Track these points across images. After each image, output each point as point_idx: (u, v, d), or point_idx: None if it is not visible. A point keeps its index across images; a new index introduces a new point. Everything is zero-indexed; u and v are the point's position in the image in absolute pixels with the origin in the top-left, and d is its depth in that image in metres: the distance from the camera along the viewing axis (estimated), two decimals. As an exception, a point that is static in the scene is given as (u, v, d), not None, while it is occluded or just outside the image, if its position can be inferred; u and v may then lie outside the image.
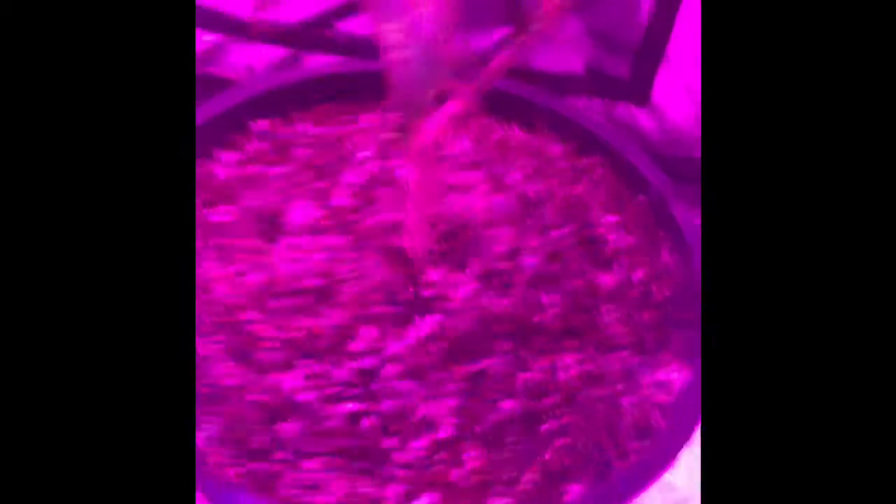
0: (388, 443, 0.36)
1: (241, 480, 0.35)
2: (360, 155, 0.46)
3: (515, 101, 0.47)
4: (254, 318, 0.39)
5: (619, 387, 0.39)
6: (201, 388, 0.37)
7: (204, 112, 0.45)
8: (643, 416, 0.38)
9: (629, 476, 0.36)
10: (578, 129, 0.47)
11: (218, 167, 0.45)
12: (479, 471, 0.36)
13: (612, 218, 0.44)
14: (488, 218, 0.43)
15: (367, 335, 0.39)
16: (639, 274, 0.43)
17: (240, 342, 0.38)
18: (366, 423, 0.36)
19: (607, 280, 0.42)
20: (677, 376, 0.40)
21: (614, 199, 0.45)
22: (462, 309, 0.40)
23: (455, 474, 0.36)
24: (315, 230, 0.42)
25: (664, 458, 0.37)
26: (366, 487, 0.35)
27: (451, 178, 0.44)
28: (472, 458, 0.36)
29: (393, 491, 0.35)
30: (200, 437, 0.36)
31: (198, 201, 0.43)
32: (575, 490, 0.36)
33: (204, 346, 0.38)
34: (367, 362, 0.38)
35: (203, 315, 0.39)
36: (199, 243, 0.42)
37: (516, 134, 0.47)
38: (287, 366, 0.38)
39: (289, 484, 0.35)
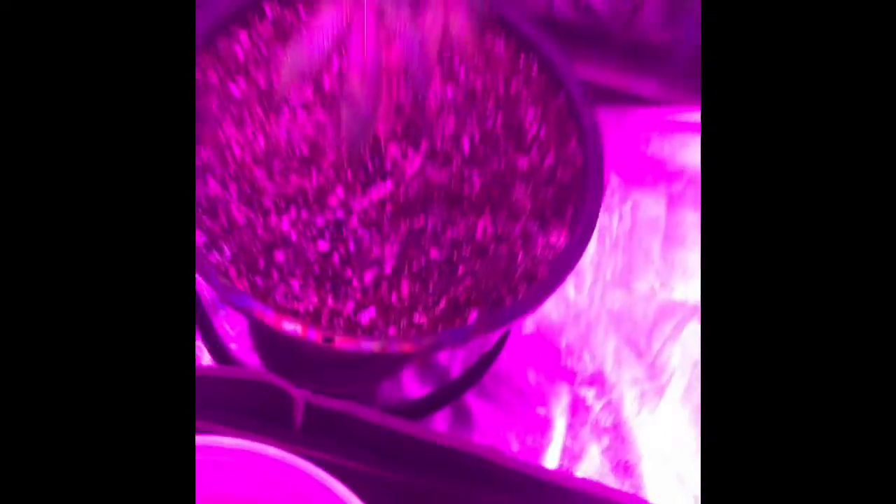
0: (349, 273, 0.52)
1: (247, 289, 0.51)
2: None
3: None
4: (259, 174, 0.54)
5: (518, 245, 0.54)
6: (222, 222, 0.52)
7: None
8: (533, 268, 0.54)
9: (515, 307, 0.53)
10: (520, 34, 0.60)
11: (237, 45, 0.58)
12: (409, 296, 0.52)
13: (534, 111, 0.58)
14: (439, 107, 0.57)
15: (339, 193, 0.53)
16: (549, 159, 0.57)
17: (249, 191, 0.53)
18: (335, 257, 0.52)
19: (523, 162, 0.57)
20: (563, 240, 0.55)
21: (539, 96, 0.59)
22: (411, 178, 0.54)
23: (392, 297, 0.52)
24: (307, 107, 0.56)
25: (542, 298, 0.53)
26: (330, 302, 0.51)
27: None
28: (405, 287, 0.52)
29: (349, 306, 0.51)
30: (222, 257, 0.51)
31: (221, 72, 0.57)
32: (474, 315, 0.52)
33: (223, 191, 0.53)
34: (339, 214, 0.53)
35: (224, 167, 0.54)
36: (220, 110, 0.55)
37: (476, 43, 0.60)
38: (281, 211, 0.53)
39: (279, 294, 0.51)
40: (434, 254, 0.53)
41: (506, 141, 0.57)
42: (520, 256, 0.54)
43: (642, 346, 0.74)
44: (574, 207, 0.56)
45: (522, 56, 0.60)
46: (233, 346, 0.65)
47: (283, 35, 0.58)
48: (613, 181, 0.79)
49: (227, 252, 0.52)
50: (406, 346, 0.50)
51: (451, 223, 0.54)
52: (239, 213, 0.53)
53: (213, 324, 0.65)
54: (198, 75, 0.56)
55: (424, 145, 0.56)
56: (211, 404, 0.55)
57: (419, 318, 0.52)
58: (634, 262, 0.77)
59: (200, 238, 0.51)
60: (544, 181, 0.57)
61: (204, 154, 0.54)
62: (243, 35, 0.58)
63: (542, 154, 0.57)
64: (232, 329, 0.65)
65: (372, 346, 0.49)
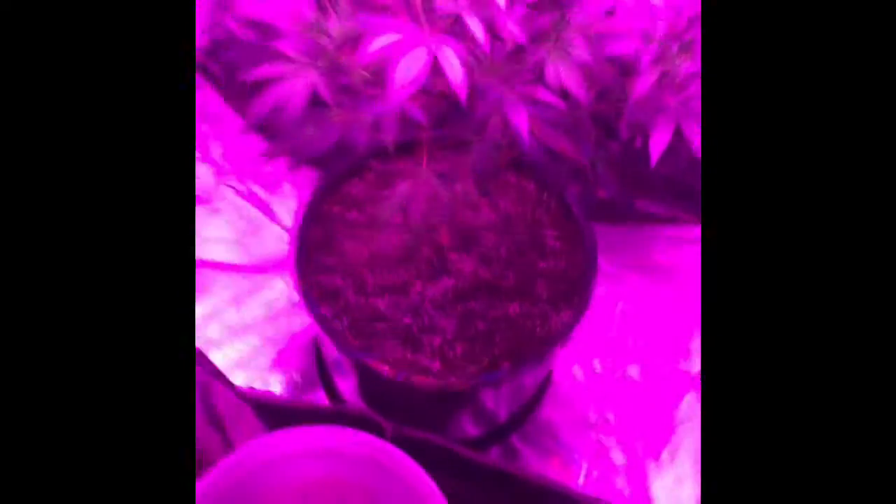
0: (424, 338, 0.79)
1: (357, 347, 0.78)
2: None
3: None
4: (365, 272, 0.81)
5: (538, 322, 0.80)
6: (341, 303, 0.80)
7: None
8: (548, 337, 0.80)
9: (533, 362, 0.78)
10: (542, 178, 0.87)
11: (353, 188, 0.86)
12: (462, 354, 0.78)
13: (552, 231, 0.85)
14: (485, 227, 0.84)
15: (418, 286, 0.81)
16: (562, 264, 0.83)
17: (359, 283, 0.81)
18: (414, 328, 0.79)
19: (543, 265, 0.83)
20: (569, 318, 0.81)
21: (556, 220, 0.85)
22: (466, 275, 0.81)
23: (450, 354, 0.78)
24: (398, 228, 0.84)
25: (551, 351, 0.79)
26: (410, 356, 0.78)
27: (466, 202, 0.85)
28: (459, 348, 0.78)
29: (423, 360, 0.78)
30: (342, 325, 0.79)
31: (340, 207, 0.85)
32: (506, 366, 0.78)
33: (343, 282, 0.81)
34: (417, 299, 0.80)
35: (344, 267, 0.82)
36: (341, 232, 0.84)
37: (510, 177, 0.87)
38: (379, 296, 0.80)
39: (378, 351, 0.78)
40: (480, 326, 0.80)
41: (532, 250, 0.84)
42: (538, 329, 0.80)
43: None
44: (578, 297, 0.82)
45: (545, 193, 0.87)
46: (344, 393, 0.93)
47: (382, 181, 0.87)
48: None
49: (345, 322, 0.79)
50: (459, 384, 0.76)
51: (492, 307, 0.81)
52: (352, 297, 0.80)
53: (332, 376, 0.93)
54: (326, 207, 0.85)
55: (475, 253, 0.83)
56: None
57: (470, 368, 0.78)
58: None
59: (326, 311, 0.79)
60: (558, 278, 0.83)
61: (330, 259, 0.82)
62: (358, 181, 0.86)
63: (557, 261, 0.84)
64: (344, 380, 0.92)
65: (436, 382, 0.76)
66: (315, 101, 0.49)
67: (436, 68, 0.45)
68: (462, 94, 0.43)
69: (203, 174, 1.09)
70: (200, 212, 1.07)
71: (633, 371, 0.99)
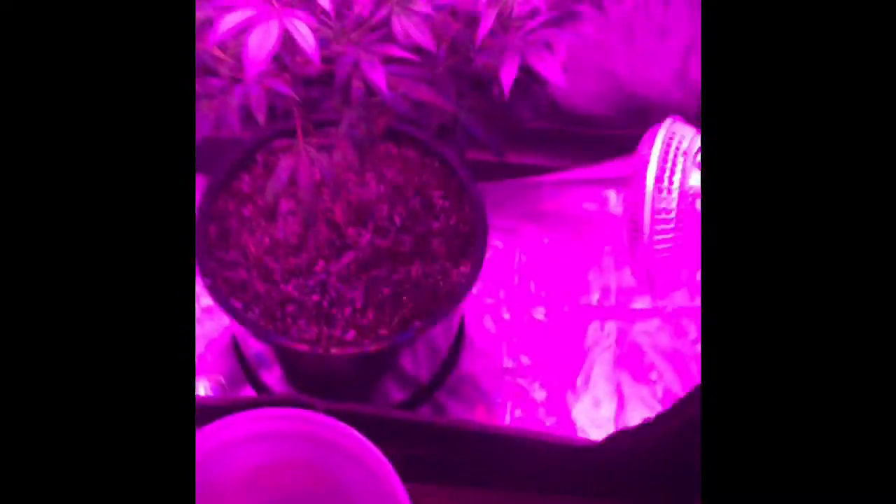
0: (334, 311, 0.82)
1: (272, 330, 0.81)
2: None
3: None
4: (268, 260, 0.84)
5: (440, 278, 0.85)
6: (250, 293, 0.83)
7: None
8: (451, 290, 0.84)
9: (440, 314, 0.83)
10: (422, 144, 0.91)
11: (244, 183, 0.89)
12: (373, 319, 0.82)
13: (438, 192, 0.89)
14: (376, 199, 0.88)
15: (321, 263, 0.84)
16: (452, 220, 0.88)
17: (264, 271, 0.84)
18: (324, 303, 0.83)
19: (436, 225, 0.88)
20: (468, 270, 0.85)
21: (441, 181, 0.90)
22: (364, 246, 0.85)
23: (363, 321, 0.82)
24: (291, 214, 0.87)
25: (456, 306, 0.83)
26: (326, 331, 0.81)
27: (354, 178, 0.89)
28: (370, 314, 0.82)
29: (337, 331, 0.81)
30: (254, 314, 0.82)
31: (235, 202, 0.88)
32: (416, 324, 0.82)
33: (247, 275, 0.84)
34: (322, 276, 0.84)
35: (246, 260, 0.84)
36: (238, 225, 0.86)
37: (391, 149, 0.92)
38: (286, 281, 0.83)
39: (293, 331, 0.81)
40: (386, 291, 0.84)
41: (423, 213, 0.88)
42: (440, 284, 0.85)
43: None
44: (473, 248, 0.87)
45: (428, 158, 0.91)
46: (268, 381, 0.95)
47: (268, 172, 0.90)
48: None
49: (257, 311, 0.82)
50: (375, 347, 0.80)
51: (394, 271, 0.85)
52: (260, 287, 0.83)
53: (256, 371, 0.95)
54: (220, 204, 0.87)
55: (370, 225, 0.87)
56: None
57: (382, 331, 0.82)
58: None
59: (237, 303, 0.82)
60: (452, 235, 0.88)
61: (232, 254, 0.85)
62: (246, 176, 0.89)
63: (448, 218, 0.88)
64: (269, 373, 0.95)
65: (355, 350, 0.80)
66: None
67: (290, 44, 0.49)
68: (315, 59, 0.47)
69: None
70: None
71: (539, 313, 1.05)
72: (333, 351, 0.79)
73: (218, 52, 0.49)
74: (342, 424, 0.78)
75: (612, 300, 1.05)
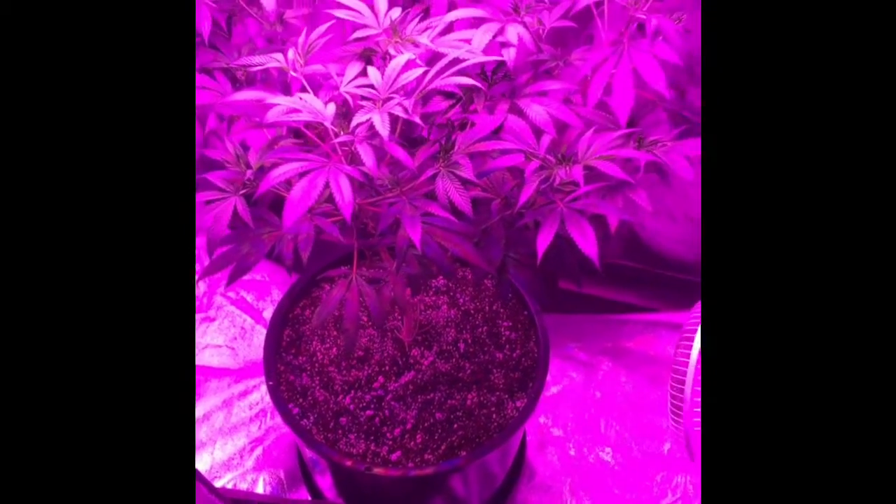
0: (385, 430, 0.84)
1: (322, 442, 0.83)
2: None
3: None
4: (332, 371, 0.87)
5: (494, 410, 0.85)
6: (309, 400, 0.86)
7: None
8: (504, 423, 0.84)
9: (490, 446, 0.83)
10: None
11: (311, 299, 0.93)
12: (421, 443, 0.83)
13: (507, 323, 0.90)
14: (445, 323, 0.90)
15: (380, 380, 0.86)
16: (516, 353, 0.89)
17: (326, 380, 0.87)
18: (377, 420, 0.84)
19: (499, 356, 0.88)
20: (522, 404, 0.85)
21: (511, 313, 0.91)
22: (426, 369, 0.87)
23: (411, 444, 0.83)
24: (363, 327, 0.90)
25: (508, 438, 0.83)
26: (373, 447, 0.83)
27: (428, 301, 0.91)
28: (419, 437, 0.83)
29: (384, 450, 0.83)
30: (309, 422, 0.85)
31: (312, 310, 0.92)
32: (463, 454, 0.82)
33: (310, 381, 0.87)
34: (380, 392, 0.86)
35: (312, 366, 0.88)
36: (310, 333, 0.90)
37: (468, 275, 0.94)
38: (345, 393, 0.86)
39: (342, 444, 0.83)
40: (438, 416, 0.85)
41: (489, 342, 0.89)
42: (494, 416, 0.85)
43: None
44: (532, 384, 0.87)
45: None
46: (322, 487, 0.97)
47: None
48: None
49: (312, 418, 0.85)
50: (418, 472, 0.81)
51: (450, 396, 0.86)
52: (320, 395, 0.86)
53: (312, 474, 0.98)
54: (297, 310, 0.91)
55: (435, 348, 0.88)
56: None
57: (428, 456, 0.83)
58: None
59: (295, 409, 0.85)
60: (513, 367, 0.88)
61: (300, 359, 0.88)
62: (326, 285, 0.93)
63: (512, 350, 0.89)
64: (322, 477, 0.97)
65: (397, 472, 0.81)
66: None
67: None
68: (347, 214, 0.50)
69: (198, 285, 1.17)
70: (196, 319, 1.15)
71: (606, 454, 1.03)
72: (376, 470, 0.80)
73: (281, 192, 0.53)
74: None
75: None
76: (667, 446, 1.03)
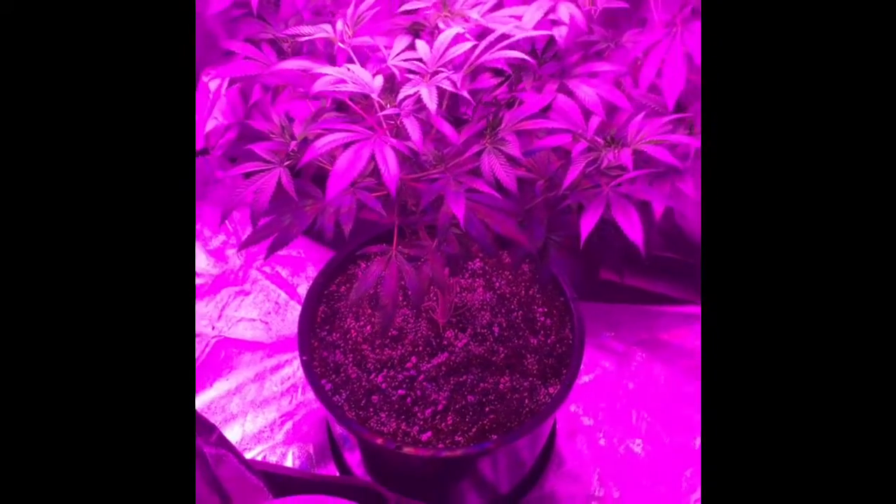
0: (416, 410, 0.83)
1: (353, 419, 0.83)
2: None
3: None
4: (365, 348, 0.87)
5: (527, 395, 0.85)
6: (342, 377, 0.86)
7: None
8: (535, 409, 0.84)
9: (521, 432, 0.82)
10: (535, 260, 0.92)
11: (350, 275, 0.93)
12: (452, 424, 0.83)
13: (542, 309, 0.89)
14: (480, 306, 0.89)
15: (413, 360, 0.86)
16: (551, 339, 0.88)
17: (359, 358, 0.87)
18: (408, 400, 0.84)
19: (534, 341, 0.88)
20: (554, 391, 0.85)
21: (547, 299, 0.90)
22: (459, 351, 0.86)
23: (442, 425, 0.83)
24: (397, 306, 0.89)
25: (539, 425, 0.82)
26: (404, 427, 0.83)
27: (464, 283, 0.91)
28: (450, 419, 0.83)
29: (415, 430, 0.82)
30: (340, 398, 0.84)
31: (347, 287, 0.92)
32: (494, 438, 0.82)
33: (343, 358, 0.87)
34: (412, 373, 0.85)
35: (346, 343, 0.87)
36: (345, 309, 0.90)
37: (505, 258, 0.93)
38: (377, 371, 0.86)
39: (373, 422, 0.83)
40: (470, 398, 0.84)
41: (523, 327, 0.89)
42: (526, 401, 0.84)
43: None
44: (566, 371, 0.86)
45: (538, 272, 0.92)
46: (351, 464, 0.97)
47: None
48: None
49: (344, 395, 0.85)
50: (448, 453, 0.80)
51: (482, 380, 0.85)
52: (352, 372, 0.86)
53: (341, 450, 0.98)
54: (333, 286, 0.91)
55: (469, 330, 0.88)
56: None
57: (458, 438, 0.82)
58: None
59: (327, 385, 0.85)
60: (547, 353, 0.87)
61: (334, 336, 0.88)
62: (363, 262, 0.93)
63: (547, 336, 0.88)
64: (351, 454, 0.97)
65: (427, 452, 0.80)
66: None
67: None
68: (392, 187, 0.49)
69: (233, 257, 1.17)
70: (231, 292, 1.15)
71: (637, 445, 1.02)
72: (406, 450, 0.80)
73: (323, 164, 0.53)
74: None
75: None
76: (697, 441, 1.02)
